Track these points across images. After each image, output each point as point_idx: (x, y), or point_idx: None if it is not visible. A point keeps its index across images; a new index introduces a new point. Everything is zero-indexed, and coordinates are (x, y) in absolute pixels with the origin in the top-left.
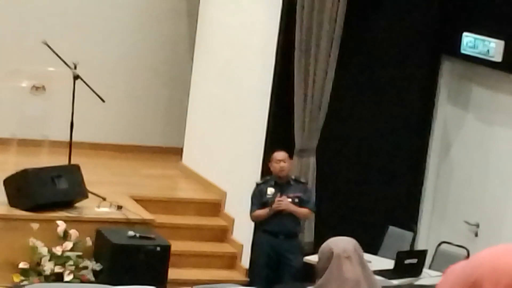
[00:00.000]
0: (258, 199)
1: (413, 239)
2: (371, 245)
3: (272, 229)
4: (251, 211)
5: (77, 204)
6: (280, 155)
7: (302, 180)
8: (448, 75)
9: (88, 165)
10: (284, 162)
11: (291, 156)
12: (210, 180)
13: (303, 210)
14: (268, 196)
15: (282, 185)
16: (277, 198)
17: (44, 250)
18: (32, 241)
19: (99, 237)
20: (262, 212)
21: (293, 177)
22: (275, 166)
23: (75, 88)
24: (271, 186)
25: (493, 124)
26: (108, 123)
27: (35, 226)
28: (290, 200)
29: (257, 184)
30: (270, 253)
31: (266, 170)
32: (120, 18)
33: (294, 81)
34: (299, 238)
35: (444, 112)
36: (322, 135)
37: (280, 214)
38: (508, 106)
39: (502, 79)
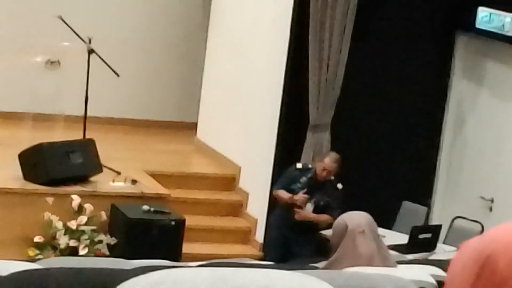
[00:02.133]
0: (287, 182)
1: (428, 214)
2: (386, 220)
3: (287, 214)
4: (275, 188)
5: (91, 179)
6: (329, 164)
7: (339, 186)
8: (462, 51)
9: (103, 140)
10: (329, 172)
11: (303, 132)
12: (224, 155)
13: (323, 218)
14: (298, 185)
15: (316, 184)
16: (301, 194)
17: (59, 224)
18: (47, 215)
19: (114, 211)
20: (283, 195)
21: (332, 178)
22: (319, 170)
23: (90, 62)
24: (306, 177)
25: (507, 100)
26: (122, 98)
27: (50, 200)
28: (314, 200)
29: (296, 168)
30: (281, 237)
31: (280, 145)
32: None
33: (309, 55)
34: (315, 235)
35: (459, 87)
36: (336, 110)
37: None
38: None
39: None
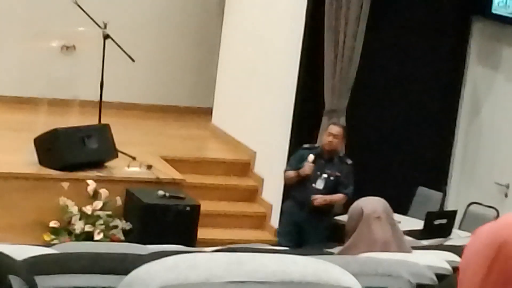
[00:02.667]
0: (296, 161)
1: (443, 200)
2: (401, 206)
3: (298, 199)
4: (285, 170)
5: (107, 164)
6: (335, 129)
7: (348, 161)
8: (478, 36)
9: (118, 125)
10: (336, 139)
11: (318, 117)
12: (239, 140)
13: (337, 197)
14: (306, 162)
15: (325, 159)
16: (307, 163)
17: (74, 209)
18: (63, 200)
19: (129, 196)
20: (291, 174)
21: (340, 155)
22: (325, 138)
23: (105, 48)
24: (313, 154)
25: None
26: (138, 83)
27: (65, 185)
28: (325, 176)
29: (303, 148)
30: (292, 222)
31: (296, 130)
32: None
33: (324, 41)
34: (328, 217)
35: (474, 73)
36: (351, 96)
37: (306, 184)
38: None
39: None
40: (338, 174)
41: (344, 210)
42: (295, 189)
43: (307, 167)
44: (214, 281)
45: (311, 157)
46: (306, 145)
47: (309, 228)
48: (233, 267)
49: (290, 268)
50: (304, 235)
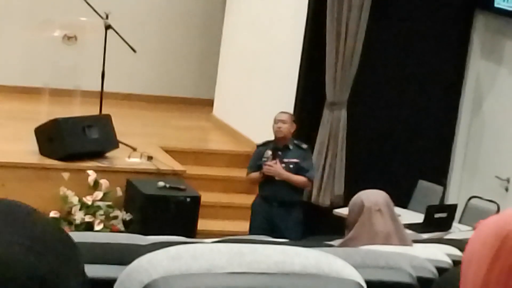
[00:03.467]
0: (255, 161)
1: (443, 193)
2: (401, 199)
3: (266, 195)
4: (247, 173)
5: (108, 154)
6: (281, 115)
7: (303, 146)
8: (481, 30)
9: (119, 116)
10: (284, 123)
11: (320, 109)
12: (241, 132)
13: (299, 178)
14: (264, 159)
15: (281, 149)
16: (268, 162)
17: (74, 199)
18: (63, 190)
19: (130, 187)
20: (253, 175)
21: (294, 141)
22: (274, 126)
23: (107, 38)
24: (269, 149)
25: None
26: (139, 73)
27: (66, 175)
28: (283, 165)
29: (257, 146)
30: (264, 220)
31: (297, 122)
32: None
33: (326, 33)
34: (298, 209)
35: (477, 67)
36: (353, 88)
37: (272, 179)
38: None
39: None
40: (296, 160)
41: (345, 203)
42: (261, 189)
43: (269, 168)
44: (216, 271)
45: (267, 153)
46: (259, 143)
47: (281, 222)
48: (234, 258)
49: (292, 259)
50: (277, 230)
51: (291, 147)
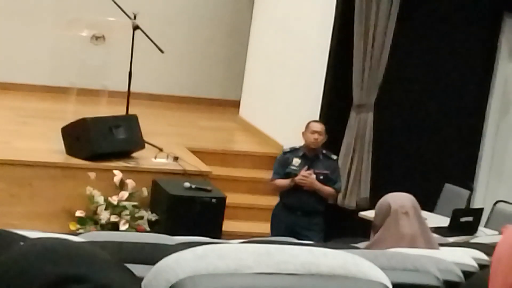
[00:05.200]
0: (282, 168)
1: (470, 197)
2: (427, 202)
3: (291, 203)
4: (271, 178)
5: (134, 154)
6: (317, 126)
7: (333, 157)
8: (509, 32)
9: (146, 116)
10: (320, 135)
11: (346, 112)
12: (267, 134)
13: (328, 189)
14: (292, 167)
15: (310, 159)
16: (303, 172)
17: (100, 199)
18: (89, 190)
19: (155, 187)
20: (283, 183)
21: (323, 151)
22: (309, 136)
23: (135, 38)
24: (298, 157)
25: None
26: (166, 74)
27: (92, 175)
28: (314, 176)
29: (284, 152)
30: (286, 228)
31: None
32: None
33: (354, 35)
34: (321, 217)
35: (505, 69)
36: (380, 91)
37: (301, 189)
38: None
39: None
40: (326, 172)
41: (370, 206)
42: (286, 197)
43: (304, 178)
44: (243, 271)
45: (296, 161)
46: (286, 149)
47: (303, 230)
48: (262, 258)
49: (319, 260)
50: (299, 238)
51: (320, 157)
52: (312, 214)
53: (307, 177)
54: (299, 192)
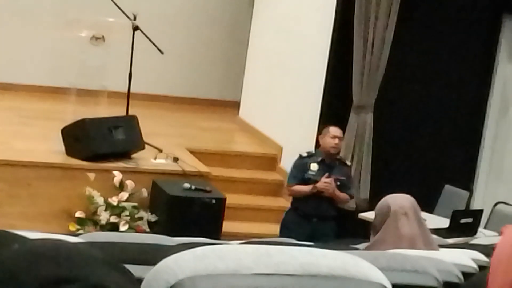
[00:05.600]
0: (300, 173)
1: (469, 199)
2: (427, 204)
3: (307, 210)
4: (289, 184)
5: (133, 155)
6: (337, 130)
7: (348, 163)
8: (509, 34)
9: (146, 117)
10: (340, 140)
11: (346, 113)
12: (266, 134)
13: (344, 195)
14: (311, 173)
15: (328, 164)
16: (324, 179)
17: (100, 199)
18: (89, 190)
19: (155, 188)
20: (303, 188)
21: (338, 157)
22: (329, 141)
23: (134, 39)
24: (315, 162)
25: None
26: (166, 75)
27: (91, 176)
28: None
29: (301, 157)
30: (300, 236)
31: (323, 125)
32: None
33: (354, 35)
34: (335, 222)
35: (504, 71)
36: (380, 92)
37: (319, 195)
38: None
39: None
40: (343, 178)
41: (370, 207)
42: (302, 203)
43: (326, 185)
44: (242, 272)
45: (314, 166)
46: (303, 154)
47: (316, 234)
48: (261, 259)
49: (319, 261)
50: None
51: (337, 163)
52: (328, 220)
53: (330, 183)
54: (316, 199)
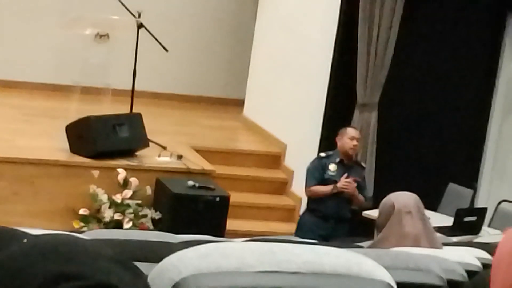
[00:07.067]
0: (319, 173)
1: (473, 197)
2: (431, 202)
3: (325, 211)
4: (309, 184)
5: (137, 153)
6: (355, 132)
7: (363, 164)
8: None
9: (150, 114)
10: (358, 141)
11: (350, 111)
12: (270, 132)
13: (360, 197)
14: (330, 173)
15: (346, 165)
16: (344, 179)
17: (104, 197)
18: (93, 188)
19: (159, 186)
20: (324, 189)
21: (355, 159)
22: (348, 143)
23: (139, 37)
24: (334, 163)
25: None
26: (170, 72)
27: (95, 173)
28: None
29: (320, 157)
30: (317, 238)
31: (327, 123)
32: None
33: (358, 34)
34: (348, 223)
35: (509, 69)
36: (384, 90)
37: (338, 196)
38: None
39: None
40: (358, 179)
41: (374, 205)
42: (320, 204)
43: (347, 185)
44: (245, 270)
45: (333, 166)
46: (322, 154)
47: (334, 234)
48: (265, 257)
49: (322, 259)
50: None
51: (354, 164)
52: (344, 222)
53: (350, 183)
54: (336, 199)
